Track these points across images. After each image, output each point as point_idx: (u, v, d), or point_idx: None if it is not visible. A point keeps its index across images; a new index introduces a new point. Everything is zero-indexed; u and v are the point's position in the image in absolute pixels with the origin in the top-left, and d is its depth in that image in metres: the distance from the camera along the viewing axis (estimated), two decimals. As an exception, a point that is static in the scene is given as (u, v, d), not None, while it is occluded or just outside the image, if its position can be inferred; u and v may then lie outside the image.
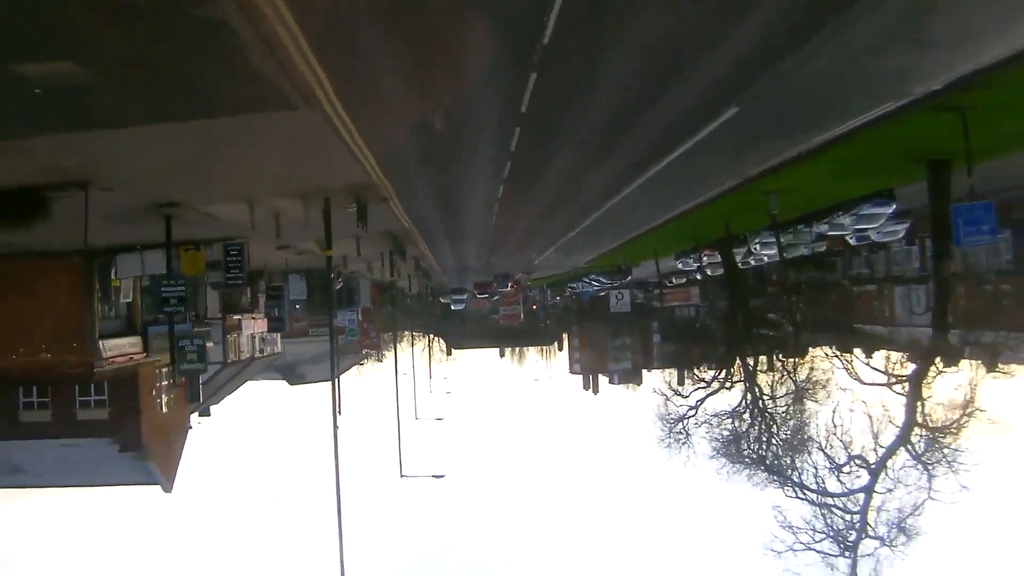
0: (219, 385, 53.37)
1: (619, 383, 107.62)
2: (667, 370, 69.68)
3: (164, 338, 38.86)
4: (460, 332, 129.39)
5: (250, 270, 37.34)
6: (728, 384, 40.92)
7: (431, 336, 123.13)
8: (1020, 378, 31.97)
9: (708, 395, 42.24)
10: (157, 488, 41.61)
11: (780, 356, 37.80)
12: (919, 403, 30.68)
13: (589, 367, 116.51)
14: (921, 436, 31.04)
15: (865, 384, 34.70)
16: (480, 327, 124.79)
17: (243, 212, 25.98)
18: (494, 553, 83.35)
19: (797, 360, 36.63)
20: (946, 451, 30.73)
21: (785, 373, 37.62)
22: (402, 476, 41.39)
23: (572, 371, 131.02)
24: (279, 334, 56.12)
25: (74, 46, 10.93)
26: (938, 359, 30.00)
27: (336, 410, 29.50)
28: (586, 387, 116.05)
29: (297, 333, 65.69)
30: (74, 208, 19.96)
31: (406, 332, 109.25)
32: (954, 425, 30.88)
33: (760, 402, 37.04)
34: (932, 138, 18.69)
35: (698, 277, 57.92)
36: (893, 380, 33.88)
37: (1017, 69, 13.91)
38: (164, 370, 41.52)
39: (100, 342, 35.71)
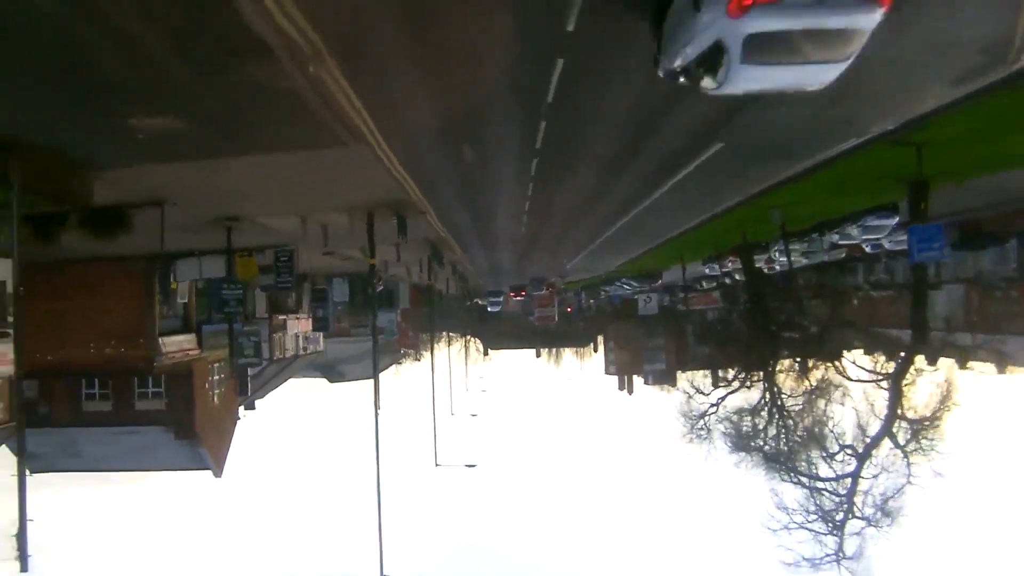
0: (264, 381, 56.76)
1: (653, 384, 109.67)
2: (700, 371, 71.84)
3: (216, 335, 42.34)
4: (497, 333, 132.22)
5: (297, 273, 40.59)
6: (748, 383, 43.34)
7: (468, 337, 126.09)
8: (995, 376, 34.33)
9: (728, 393, 44.72)
10: (208, 473, 44.96)
11: (793, 356, 40.17)
12: (900, 398, 33.13)
13: (624, 368, 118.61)
14: (902, 428, 33.50)
15: (853, 380, 37.22)
16: (517, 328, 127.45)
17: (295, 224, 29.12)
18: (521, 535, 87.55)
19: (809, 360, 38.96)
20: (923, 442, 33.17)
21: (796, 372, 40.02)
22: (437, 465, 44.15)
23: (607, 372, 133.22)
24: (322, 333, 59.37)
25: (177, 105, 13.96)
26: (917, 359, 32.45)
27: (377, 403, 32.55)
28: (621, 387, 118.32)
29: (339, 333, 68.88)
30: (148, 222, 23.15)
31: (444, 333, 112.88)
32: (931, 419, 33.30)
33: (776, 399, 39.42)
34: (896, 166, 21.22)
35: (727, 281, 60.32)
36: (879, 378, 36.32)
37: (957, 113, 16.47)
38: (216, 365, 44.89)
39: (159, 339, 39.10)
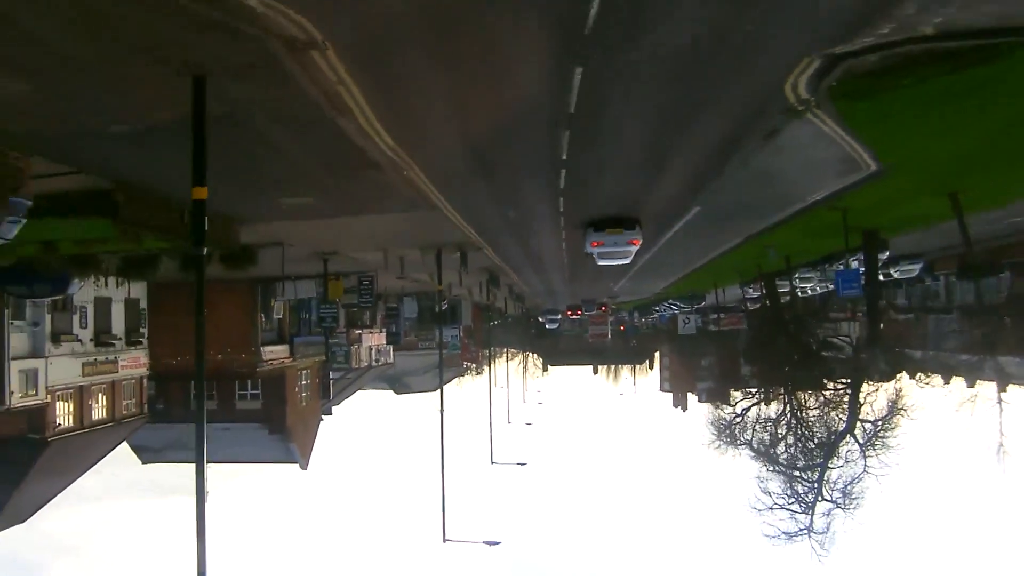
0: (341, 388, 64.54)
1: (706, 401, 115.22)
2: (749, 388, 78.11)
3: (305, 346, 50.15)
4: (555, 350, 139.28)
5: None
6: (765, 397, 49.55)
7: (527, 352, 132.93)
8: (933, 388, 40.84)
9: (750, 406, 50.92)
10: (296, 466, 52.66)
11: (796, 373, 46.22)
12: (858, 405, 39.61)
13: (678, 385, 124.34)
14: (862, 430, 39.84)
15: (828, 391, 43.81)
16: (575, 345, 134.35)
17: (378, 256, 36.61)
18: (567, 526, 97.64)
19: (806, 375, 45.16)
20: (877, 441, 39.52)
21: (796, 385, 46.14)
22: (492, 463, 51.15)
23: (663, 388, 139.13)
24: (393, 346, 67.02)
25: (313, 191, 21.38)
26: (870, 373, 38.95)
27: (442, 408, 39.75)
28: (676, 404, 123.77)
29: (407, 346, 76.59)
30: (267, 257, 30.80)
31: (505, 349, 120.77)
32: (884, 421, 39.62)
33: (785, 410, 45.64)
34: (837, 223, 27.95)
35: (747, 306, 67.01)
36: (840, 390, 42.76)
37: (863, 191, 23.09)
38: (304, 371, 52.68)
39: (261, 348, 47.00)
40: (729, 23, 11.51)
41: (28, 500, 38.25)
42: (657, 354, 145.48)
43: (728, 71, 13.28)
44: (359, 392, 77.09)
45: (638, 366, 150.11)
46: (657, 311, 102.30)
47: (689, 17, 11.34)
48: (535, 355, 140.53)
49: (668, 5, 11.16)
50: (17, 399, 33.01)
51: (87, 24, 10.46)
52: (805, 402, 43.03)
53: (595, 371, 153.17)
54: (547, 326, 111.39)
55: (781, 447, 42.82)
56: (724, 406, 54.72)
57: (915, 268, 44.69)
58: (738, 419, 51.01)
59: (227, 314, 44.96)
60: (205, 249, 13.41)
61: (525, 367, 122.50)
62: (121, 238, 21.64)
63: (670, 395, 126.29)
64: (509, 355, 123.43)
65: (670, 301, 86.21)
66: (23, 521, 39.30)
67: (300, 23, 10.82)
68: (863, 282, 29.68)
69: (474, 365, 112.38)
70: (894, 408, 39.15)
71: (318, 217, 24.97)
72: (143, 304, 42.90)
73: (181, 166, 12.43)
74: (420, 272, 47.31)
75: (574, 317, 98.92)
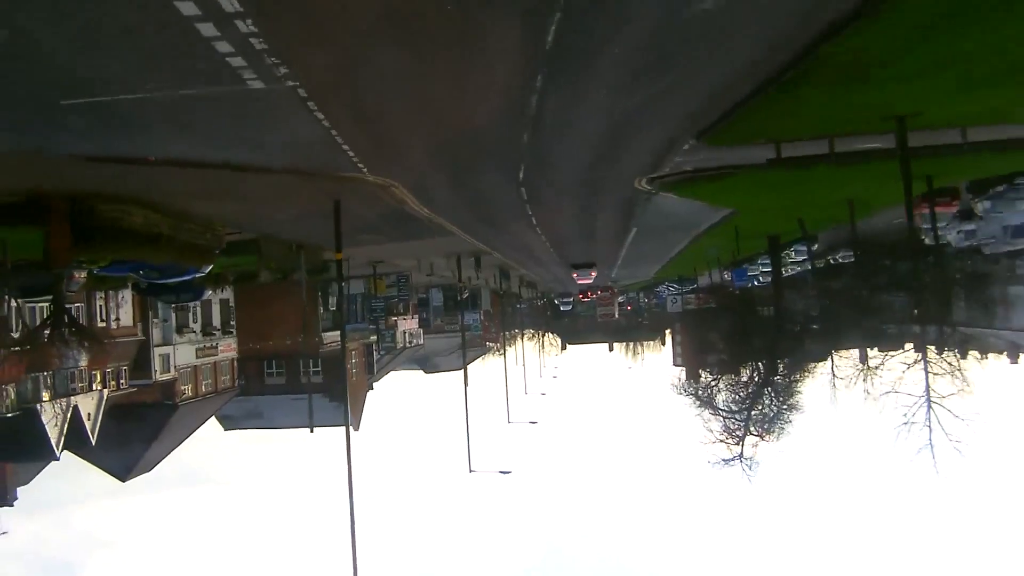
0: (382, 365, 77.94)
1: (717, 375, 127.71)
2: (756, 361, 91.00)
3: (356, 332, 63.30)
4: (572, 329, 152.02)
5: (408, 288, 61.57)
6: (725, 364, 62.11)
7: (543, 332, 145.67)
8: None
9: (723, 373, 63.36)
10: (351, 428, 66.02)
11: (743, 342, 58.44)
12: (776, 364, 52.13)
13: (689, 360, 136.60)
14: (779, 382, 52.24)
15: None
16: (590, 324, 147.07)
17: (412, 262, 49.82)
18: (571, 481, 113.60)
19: (752, 343, 57.42)
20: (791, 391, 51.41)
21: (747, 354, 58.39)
22: (509, 422, 64.16)
23: (675, 363, 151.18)
24: (423, 330, 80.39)
25: (380, 233, 34.55)
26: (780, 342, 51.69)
27: (465, 381, 52.80)
28: (688, 376, 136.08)
29: (435, 330, 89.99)
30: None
31: (524, 329, 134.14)
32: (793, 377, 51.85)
33: (745, 374, 58.11)
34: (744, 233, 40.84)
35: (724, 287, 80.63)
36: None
37: (736, 219, 35.86)
38: (354, 352, 65.93)
39: (321, 334, 60.29)
40: (598, 179, 24.45)
41: (155, 453, 51.70)
42: (668, 331, 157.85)
43: (604, 188, 26.24)
44: (392, 372, 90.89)
45: (651, 342, 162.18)
46: (658, 291, 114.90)
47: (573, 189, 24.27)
48: (553, 334, 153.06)
49: (564, 161, 24.04)
50: (157, 375, 46.43)
51: (283, 193, 23.47)
52: (744, 364, 55.54)
53: (610, 348, 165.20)
54: (561, 308, 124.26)
55: (725, 397, 55.35)
56: (703, 373, 67.29)
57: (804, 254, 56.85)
58: (712, 383, 63.55)
59: (294, 308, 58.16)
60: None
61: (542, 345, 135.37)
62: (258, 265, 34.98)
63: (683, 369, 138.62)
64: (528, 335, 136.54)
65: (667, 283, 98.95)
66: (150, 471, 52.83)
67: (387, 180, 23.77)
68: (752, 274, 42.35)
69: (496, 344, 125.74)
70: (801, 369, 51.31)
71: (378, 244, 38.12)
72: (232, 303, 56.23)
73: (312, 231, 25.54)
74: (445, 271, 60.60)
75: (586, 300, 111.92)
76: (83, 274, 28.95)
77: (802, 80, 14.76)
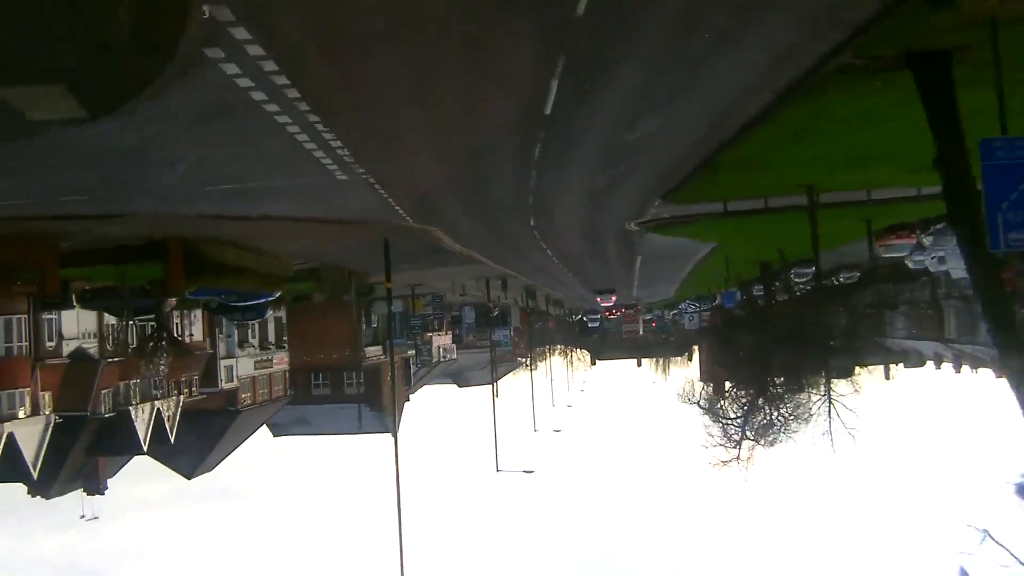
0: (419, 378, 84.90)
1: (739, 388, 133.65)
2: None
3: (396, 347, 70.27)
4: (601, 345, 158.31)
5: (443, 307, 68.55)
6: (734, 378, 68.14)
7: (573, 348, 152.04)
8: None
9: (732, 387, 69.38)
10: (388, 435, 72.74)
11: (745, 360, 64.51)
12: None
13: (716, 375, 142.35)
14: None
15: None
16: (618, 341, 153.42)
17: (447, 284, 56.70)
18: (590, 481, 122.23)
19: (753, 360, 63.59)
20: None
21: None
22: (535, 431, 70.70)
23: (702, 379, 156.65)
24: (456, 345, 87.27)
25: (419, 262, 41.46)
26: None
27: (494, 389, 59.53)
28: (715, 392, 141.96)
29: (468, 345, 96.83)
30: (379, 289, 50.98)
31: (554, 345, 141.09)
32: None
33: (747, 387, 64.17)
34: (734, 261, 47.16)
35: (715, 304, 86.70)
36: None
37: (721, 249, 42.27)
38: (393, 365, 72.82)
39: (363, 349, 67.33)
40: (595, 224, 31.11)
41: (217, 455, 58.79)
42: (696, 347, 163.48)
43: (602, 230, 32.90)
44: (426, 387, 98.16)
45: (678, 358, 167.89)
46: (681, 309, 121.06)
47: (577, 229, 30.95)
48: (583, 350, 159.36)
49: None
50: (222, 384, 53.55)
51: (345, 234, 30.36)
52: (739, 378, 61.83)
53: (639, 364, 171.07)
54: (589, 324, 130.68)
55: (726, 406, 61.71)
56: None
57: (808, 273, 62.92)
58: (726, 396, 69.66)
59: (339, 325, 65.30)
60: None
61: (570, 360, 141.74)
62: (315, 289, 42.01)
63: (710, 384, 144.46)
64: (558, 351, 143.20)
65: (688, 301, 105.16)
66: (211, 470, 59.93)
67: (427, 226, 30.55)
68: (743, 298, 48.52)
69: (526, 359, 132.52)
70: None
71: (417, 271, 45.01)
72: (284, 320, 63.40)
73: (362, 260, 32.45)
74: (475, 291, 67.50)
75: (612, 317, 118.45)
76: (175, 298, 36.17)
77: (719, 167, 21.38)
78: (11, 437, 34.84)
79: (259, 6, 10.81)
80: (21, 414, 35.72)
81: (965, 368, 65.15)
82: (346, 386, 71.27)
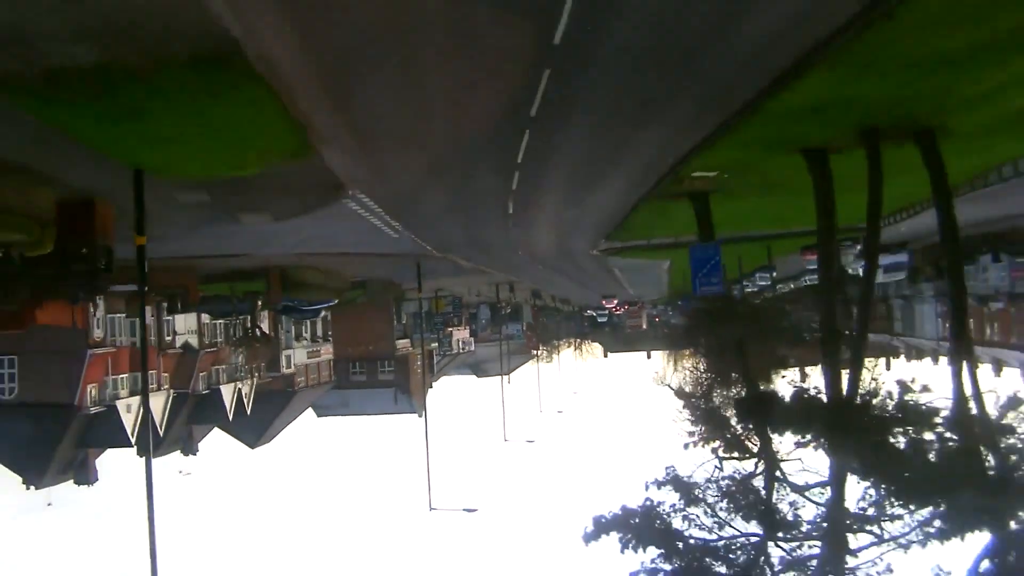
0: (441, 367, 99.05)
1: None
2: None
3: (422, 340, 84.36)
4: (611, 339, 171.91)
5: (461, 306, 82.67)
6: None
7: (584, 341, 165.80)
8: None
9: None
10: (415, 415, 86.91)
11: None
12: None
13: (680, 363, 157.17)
14: None
15: None
16: (628, 335, 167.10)
17: (465, 289, 70.70)
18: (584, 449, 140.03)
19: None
20: None
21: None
22: (540, 411, 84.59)
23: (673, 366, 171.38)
24: (474, 338, 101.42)
25: (445, 274, 55.50)
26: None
27: (504, 379, 73.45)
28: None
29: (484, 339, 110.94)
30: (411, 293, 65.06)
31: (566, 339, 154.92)
32: None
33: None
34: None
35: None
36: None
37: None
38: (419, 355, 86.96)
39: (395, 342, 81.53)
40: (567, 251, 44.94)
41: (275, 428, 72.92)
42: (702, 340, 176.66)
43: (574, 255, 46.70)
44: (446, 377, 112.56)
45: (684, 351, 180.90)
46: (681, 304, 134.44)
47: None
48: (594, 343, 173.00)
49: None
50: (283, 370, 67.68)
51: (389, 260, 44.32)
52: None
53: (648, 356, 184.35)
54: (598, 320, 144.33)
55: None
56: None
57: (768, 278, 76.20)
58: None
59: (374, 321, 79.47)
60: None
61: (580, 354, 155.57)
62: (364, 297, 56.19)
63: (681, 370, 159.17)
64: (570, 344, 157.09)
65: (683, 298, 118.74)
66: (270, 442, 74.14)
67: (447, 255, 44.37)
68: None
69: (543, 351, 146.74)
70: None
71: (438, 280, 59.01)
72: (328, 318, 77.54)
73: (398, 273, 46.52)
74: (488, 293, 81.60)
75: (618, 312, 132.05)
76: (270, 305, 50.45)
77: (624, 225, 35.04)
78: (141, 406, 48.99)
79: (381, 194, 24.73)
80: (153, 387, 49.92)
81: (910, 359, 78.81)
82: (380, 373, 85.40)
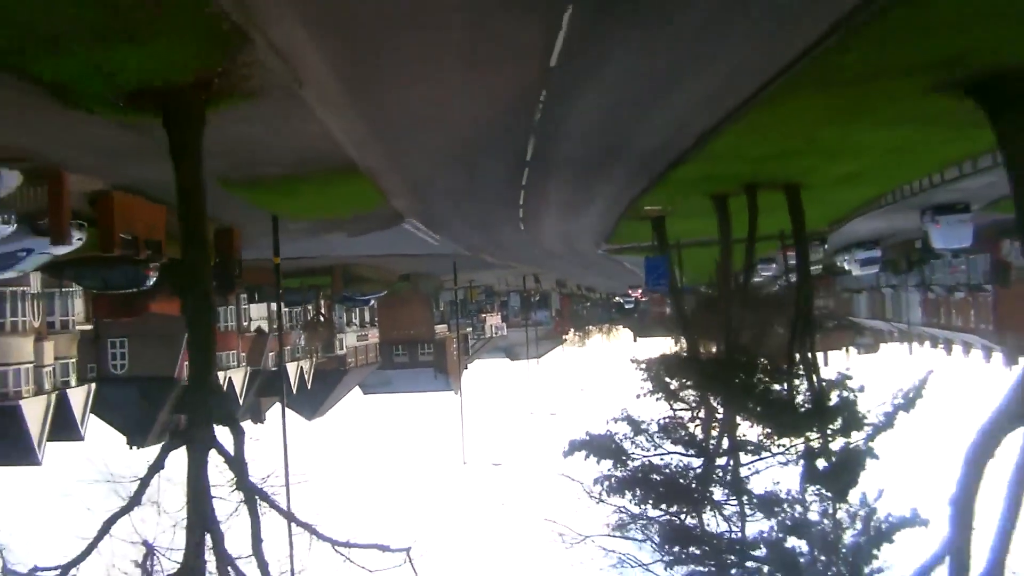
0: (476, 350, 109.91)
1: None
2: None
3: (455, 325, 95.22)
4: (640, 324, 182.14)
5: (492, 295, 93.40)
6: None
7: (612, 326, 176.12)
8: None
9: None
10: (451, 393, 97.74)
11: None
12: None
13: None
14: None
15: None
16: (654, 320, 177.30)
17: (494, 279, 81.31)
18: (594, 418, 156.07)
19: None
20: None
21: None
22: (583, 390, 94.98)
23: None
24: (506, 323, 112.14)
25: (475, 269, 66.19)
26: None
27: (535, 356, 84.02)
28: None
29: (514, 324, 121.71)
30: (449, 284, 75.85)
31: (595, 324, 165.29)
32: None
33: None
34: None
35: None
36: None
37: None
38: (455, 339, 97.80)
39: (433, 327, 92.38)
40: (577, 252, 55.33)
41: (328, 404, 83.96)
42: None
43: (583, 254, 57.11)
44: (480, 360, 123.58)
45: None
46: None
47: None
48: (623, 328, 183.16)
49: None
50: (337, 351, 78.71)
51: (430, 259, 55.00)
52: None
53: (676, 341, 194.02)
54: (625, 306, 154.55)
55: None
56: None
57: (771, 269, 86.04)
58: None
59: (416, 309, 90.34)
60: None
61: (609, 338, 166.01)
62: (409, 287, 67.04)
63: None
64: (599, 329, 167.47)
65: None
66: (323, 416, 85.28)
67: (479, 254, 54.99)
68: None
69: (574, 336, 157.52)
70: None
71: (472, 273, 69.62)
72: (375, 306, 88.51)
73: (436, 267, 57.32)
74: (516, 283, 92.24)
75: (643, 299, 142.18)
76: (322, 295, 61.40)
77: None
78: (230, 381, 60.12)
79: (426, 218, 35.29)
80: (234, 364, 61.04)
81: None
82: (420, 355, 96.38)
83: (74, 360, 44.67)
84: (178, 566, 13.78)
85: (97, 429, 58.08)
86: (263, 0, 12.24)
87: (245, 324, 63.94)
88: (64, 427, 41.92)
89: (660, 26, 14.58)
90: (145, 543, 14.64)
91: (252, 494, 14.38)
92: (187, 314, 16.53)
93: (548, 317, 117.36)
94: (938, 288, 70.96)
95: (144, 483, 13.84)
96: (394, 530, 20.07)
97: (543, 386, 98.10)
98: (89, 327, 47.32)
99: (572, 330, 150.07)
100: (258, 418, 72.49)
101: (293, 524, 15.52)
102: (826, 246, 60.27)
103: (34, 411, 38.56)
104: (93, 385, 46.49)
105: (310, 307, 65.73)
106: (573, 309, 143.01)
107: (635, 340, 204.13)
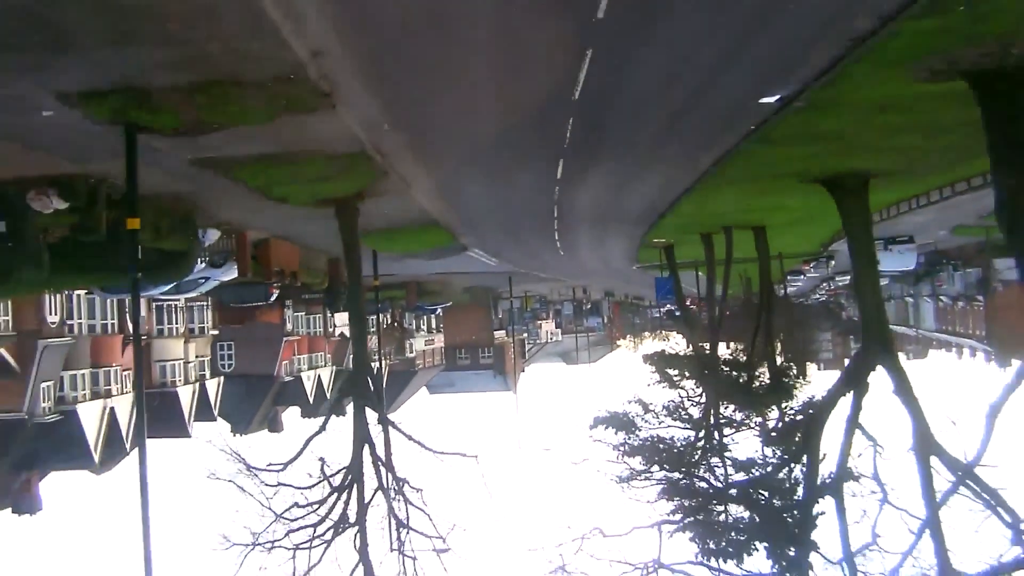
0: (532, 354, 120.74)
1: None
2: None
3: (515, 331, 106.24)
4: (689, 330, 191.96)
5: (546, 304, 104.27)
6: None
7: (665, 332, 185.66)
8: None
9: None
10: (510, 393, 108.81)
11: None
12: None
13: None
14: None
15: None
16: (704, 327, 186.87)
17: (547, 289, 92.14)
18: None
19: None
20: None
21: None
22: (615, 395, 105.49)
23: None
24: (560, 330, 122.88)
25: (529, 281, 77.07)
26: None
27: (583, 358, 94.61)
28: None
29: (567, 331, 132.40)
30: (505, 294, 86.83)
31: (648, 330, 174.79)
32: None
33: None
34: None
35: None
36: None
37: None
38: (513, 344, 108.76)
39: (492, 332, 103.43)
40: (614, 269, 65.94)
41: (400, 400, 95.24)
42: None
43: (616, 268, 67.71)
44: (536, 364, 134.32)
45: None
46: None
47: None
48: (677, 333, 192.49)
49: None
50: (407, 354, 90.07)
51: (482, 276, 65.97)
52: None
53: (727, 346, 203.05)
54: (676, 313, 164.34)
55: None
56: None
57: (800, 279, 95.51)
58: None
59: (476, 316, 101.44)
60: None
61: (661, 342, 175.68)
62: (470, 298, 78.25)
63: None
64: (652, 334, 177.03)
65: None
66: (395, 411, 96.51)
67: (529, 271, 65.77)
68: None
69: (627, 341, 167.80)
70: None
71: (524, 284, 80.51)
72: (440, 313, 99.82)
73: (493, 281, 68.37)
74: (567, 294, 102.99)
75: (692, 307, 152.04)
76: (407, 307, 73.00)
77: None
78: (319, 378, 71.65)
79: (485, 248, 46.32)
80: (322, 364, 72.62)
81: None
82: (481, 358, 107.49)
83: (208, 358, 56.24)
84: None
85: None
86: (394, 152, 23.18)
87: (331, 331, 75.55)
88: (203, 410, 53.64)
89: (612, 169, 25.35)
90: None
91: (387, 424, 25.41)
92: (352, 324, 27.62)
93: (600, 324, 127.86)
94: (945, 298, 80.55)
95: (330, 414, 25.03)
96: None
97: (597, 387, 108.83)
98: (216, 332, 58.83)
99: (626, 335, 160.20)
100: (339, 412, 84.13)
101: (411, 441, 26.45)
102: (832, 261, 70.06)
103: (185, 396, 50.36)
104: (222, 378, 58.01)
105: (385, 316, 77.15)
106: (625, 316, 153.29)
107: (688, 345, 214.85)
